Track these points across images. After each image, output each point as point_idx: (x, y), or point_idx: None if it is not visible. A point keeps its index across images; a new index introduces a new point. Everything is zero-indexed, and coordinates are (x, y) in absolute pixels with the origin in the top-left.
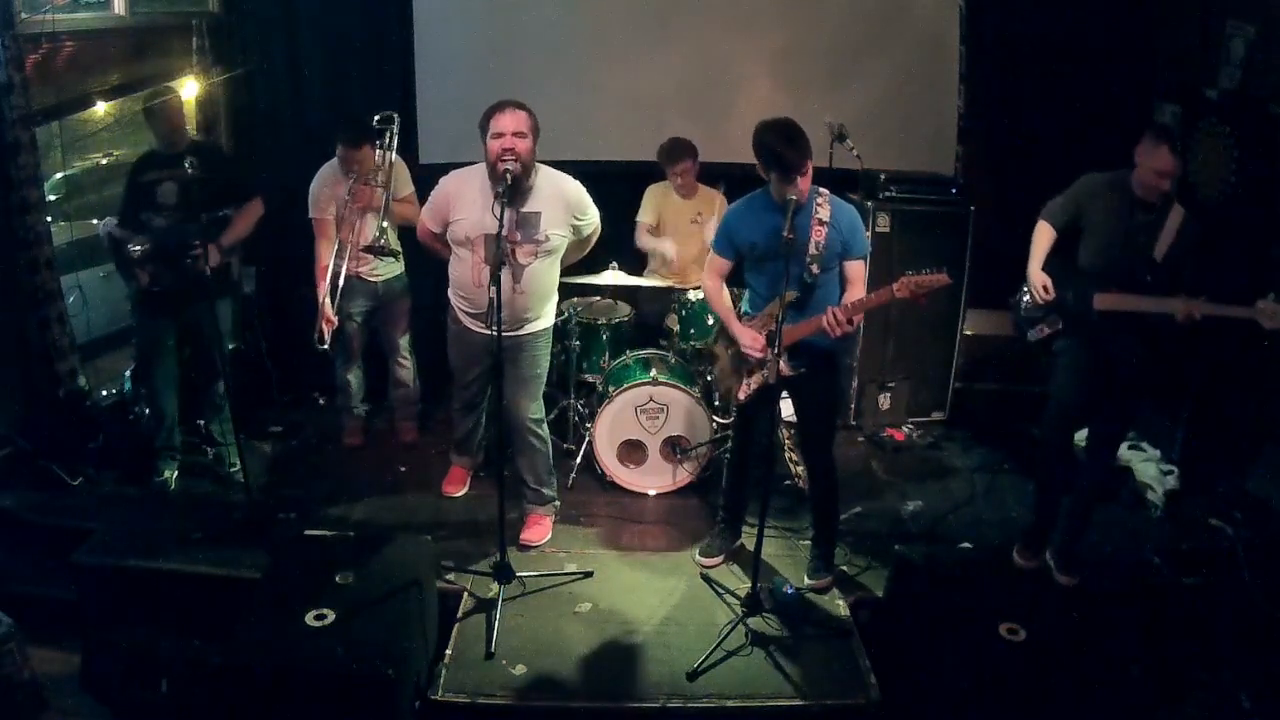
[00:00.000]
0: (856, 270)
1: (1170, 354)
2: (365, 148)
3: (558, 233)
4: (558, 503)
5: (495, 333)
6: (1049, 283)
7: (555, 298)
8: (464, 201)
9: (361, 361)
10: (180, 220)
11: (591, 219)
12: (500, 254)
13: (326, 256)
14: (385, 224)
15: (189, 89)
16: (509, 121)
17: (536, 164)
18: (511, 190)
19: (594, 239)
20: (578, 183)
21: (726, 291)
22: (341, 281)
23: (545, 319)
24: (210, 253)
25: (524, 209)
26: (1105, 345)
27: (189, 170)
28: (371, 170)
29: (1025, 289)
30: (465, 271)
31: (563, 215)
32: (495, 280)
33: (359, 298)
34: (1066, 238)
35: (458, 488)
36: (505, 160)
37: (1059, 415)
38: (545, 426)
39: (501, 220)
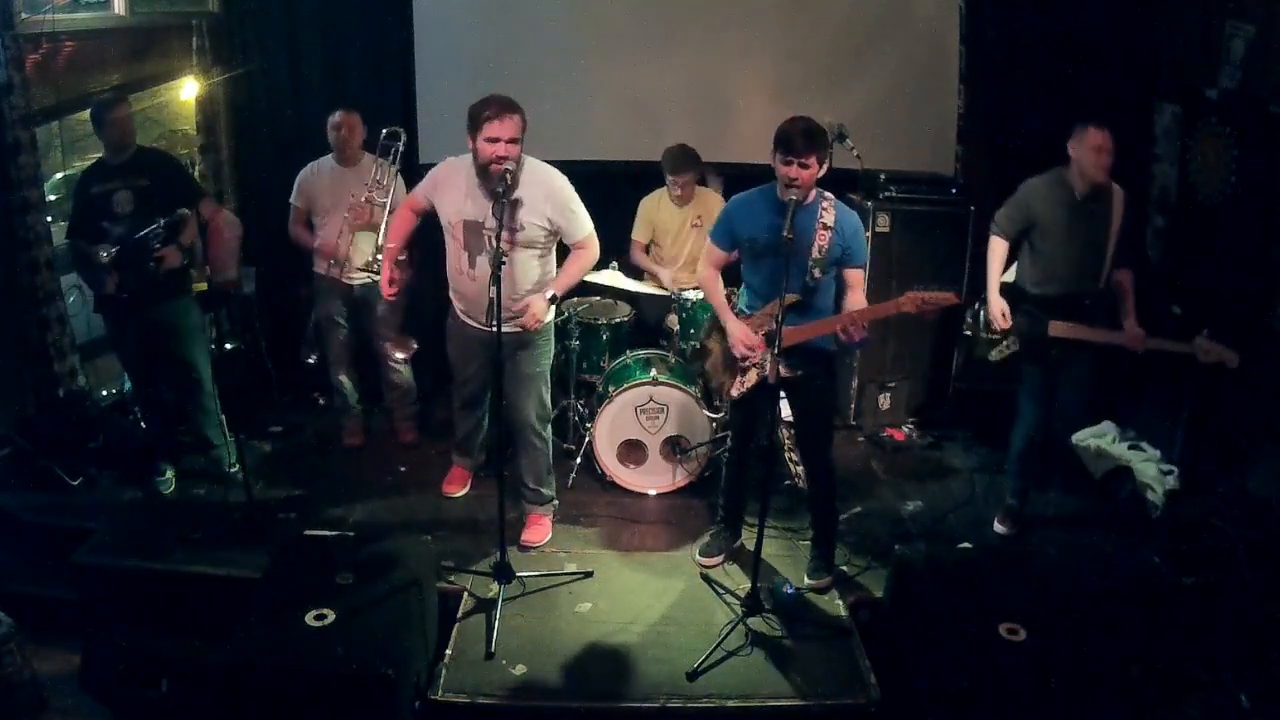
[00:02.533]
0: (856, 277)
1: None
2: (355, 115)
3: (534, 223)
4: (556, 502)
5: (496, 330)
6: (1006, 310)
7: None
8: (448, 186)
9: (354, 362)
10: (137, 226)
11: (576, 226)
12: (500, 254)
13: (307, 236)
14: (380, 249)
15: (189, 89)
16: (506, 128)
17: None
18: (496, 183)
19: (588, 256)
20: (566, 183)
21: (721, 283)
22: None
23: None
24: (171, 254)
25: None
26: (1060, 364)
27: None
28: (367, 170)
29: (979, 306)
30: (450, 261)
31: (541, 206)
32: (495, 280)
33: (336, 300)
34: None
35: (458, 488)
36: (501, 164)
37: (1028, 436)
38: (549, 428)
39: (500, 219)
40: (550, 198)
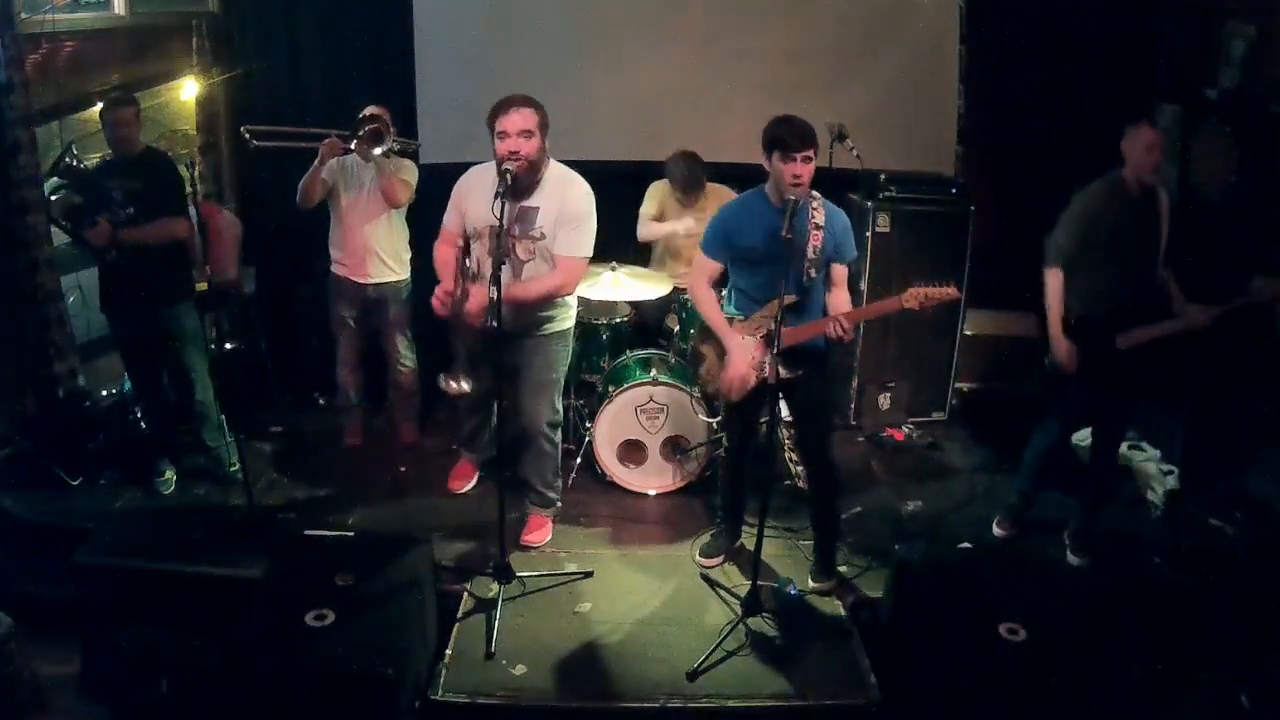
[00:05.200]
0: (841, 273)
1: (1171, 353)
2: (385, 109)
3: (548, 230)
4: (559, 504)
5: (496, 329)
6: (1074, 350)
7: (570, 301)
8: (474, 193)
9: (360, 363)
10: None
11: (570, 238)
12: (501, 250)
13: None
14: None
15: (189, 89)
16: (515, 121)
17: (548, 159)
18: (514, 185)
19: (559, 282)
20: (588, 198)
21: (716, 300)
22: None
23: (559, 321)
24: (102, 228)
25: (524, 203)
26: (1120, 379)
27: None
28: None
29: (1049, 358)
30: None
31: (555, 213)
32: (495, 279)
33: (347, 301)
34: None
35: (464, 483)
36: (509, 161)
37: (1052, 446)
38: (559, 432)
39: (502, 217)
40: (563, 206)
